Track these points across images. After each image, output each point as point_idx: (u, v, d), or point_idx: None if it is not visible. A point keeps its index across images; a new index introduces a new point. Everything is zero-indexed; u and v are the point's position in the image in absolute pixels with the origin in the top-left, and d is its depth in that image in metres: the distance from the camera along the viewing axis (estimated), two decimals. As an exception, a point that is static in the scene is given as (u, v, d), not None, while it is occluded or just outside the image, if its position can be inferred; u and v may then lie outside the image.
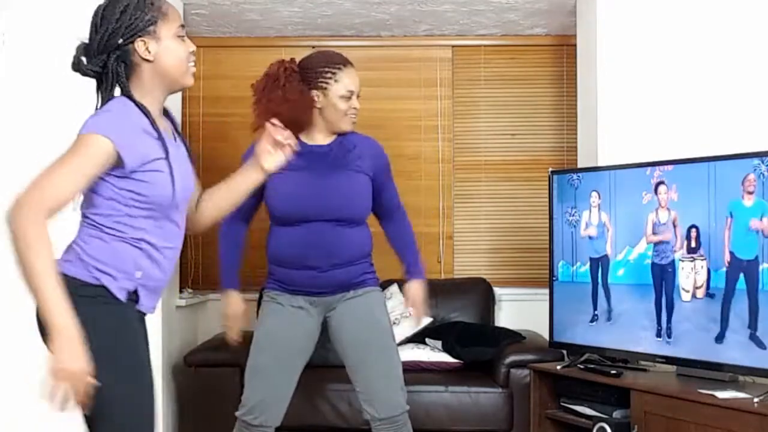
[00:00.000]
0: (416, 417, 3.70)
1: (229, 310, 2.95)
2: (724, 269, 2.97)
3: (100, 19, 1.89)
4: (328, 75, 2.79)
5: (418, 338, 4.11)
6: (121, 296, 1.87)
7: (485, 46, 4.67)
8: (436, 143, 4.66)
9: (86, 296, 1.83)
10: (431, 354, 3.99)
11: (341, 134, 2.87)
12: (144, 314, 1.99)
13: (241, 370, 3.72)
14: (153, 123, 1.90)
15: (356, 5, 4.17)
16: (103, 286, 1.86)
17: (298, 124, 2.74)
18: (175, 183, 1.90)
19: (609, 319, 3.37)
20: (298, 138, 2.78)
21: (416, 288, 2.95)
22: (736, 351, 2.91)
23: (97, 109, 1.92)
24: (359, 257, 2.83)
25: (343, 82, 2.79)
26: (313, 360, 2.91)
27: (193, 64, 1.99)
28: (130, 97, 1.90)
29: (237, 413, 2.83)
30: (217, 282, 4.55)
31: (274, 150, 2.12)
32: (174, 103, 4.10)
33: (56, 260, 1.86)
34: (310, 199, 2.75)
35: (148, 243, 1.90)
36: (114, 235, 1.87)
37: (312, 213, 2.75)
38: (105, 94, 1.92)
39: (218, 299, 4.61)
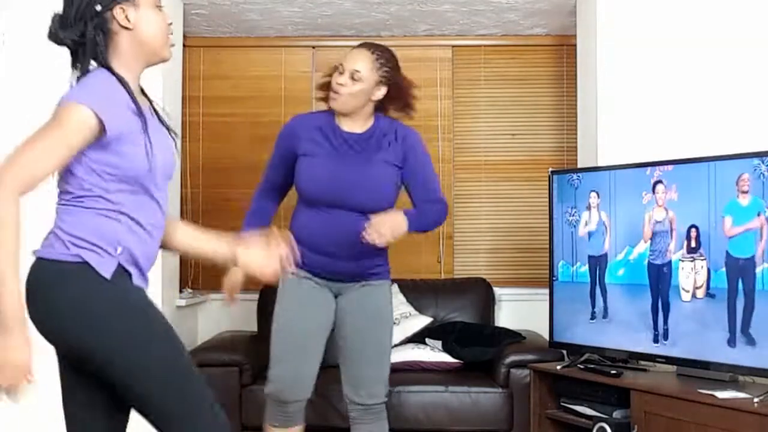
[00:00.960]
0: (416, 417, 3.72)
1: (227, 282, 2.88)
2: (724, 269, 2.97)
3: None
4: None
5: (418, 338, 4.11)
6: (106, 273, 1.80)
7: (485, 46, 4.67)
8: (436, 143, 4.65)
9: (71, 276, 1.78)
10: (431, 354, 3.99)
11: (376, 121, 2.87)
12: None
13: (241, 370, 3.75)
14: (132, 96, 1.86)
15: (356, 5, 4.17)
16: (86, 263, 1.79)
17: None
18: (153, 157, 1.85)
19: (605, 317, 3.37)
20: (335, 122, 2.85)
21: (392, 215, 2.73)
22: (736, 351, 2.91)
23: (73, 82, 1.87)
24: (376, 249, 2.81)
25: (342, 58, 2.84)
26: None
27: (171, 37, 1.95)
28: (110, 69, 1.85)
29: (267, 391, 2.86)
30: (218, 282, 4.59)
31: (270, 258, 2.00)
32: (174, 103, 4.10)
33: (36, 249, 1.84)
34: (337, 187, 2.77)
35: (128, 216, 1.84)
36: (91, 208, 1.81)
37: (337, 200, 2.77)
38: (83, 64, 1.86)
39: (218, 299, 4.63)
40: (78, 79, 1.87)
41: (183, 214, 4.51)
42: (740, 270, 2.90)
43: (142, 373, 1.80)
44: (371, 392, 2.85)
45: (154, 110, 2.00)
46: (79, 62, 1.87)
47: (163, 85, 3.79)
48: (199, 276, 4.62)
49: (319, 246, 2.80)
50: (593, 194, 3.45)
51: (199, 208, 4.62)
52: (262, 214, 2.97)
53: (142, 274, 1.92)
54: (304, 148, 2.82)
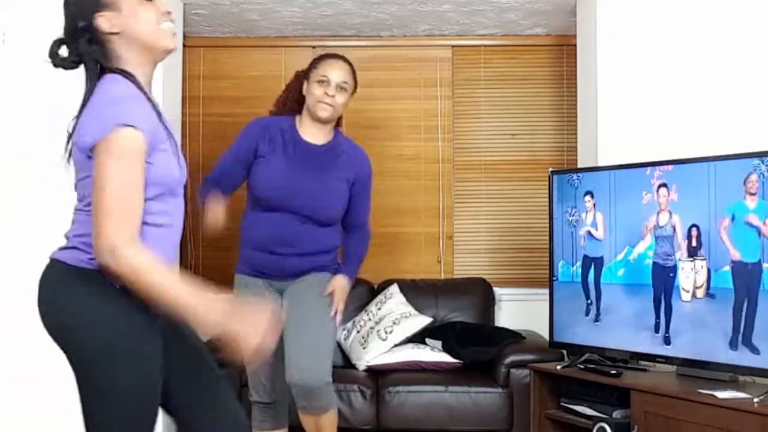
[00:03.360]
0: (416, 417, 3.72)
1: (209, 210, 2.94)
2: (725, 269, 2.97)
3: (64, 6, 1.85)
4: (312, 65, 2.97)
5: (418, 338, 4.11)
6: (115, 282, 1.78)
7: (485, 46, 4.67)
8: (436, 143, 4.66)
9: (80, 282, 1.78)
10: (431, 354, 3.99)
11: (335, 137, 2.99)
12: None
13: (241, 370, 3.75)
14: (151, 101, 1.85)
15: (356, 5, 4.17)
16: (97, 270, 1.77)
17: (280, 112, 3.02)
18: (182, 160, 1.88)
19: (606, 318, 3.37)
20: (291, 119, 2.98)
21: (342, 282, 2.94)
22: (736, 351, 2.91)
23: (87, 94, 1.84)
24: (324, 250, 2.94)
25: (320, 69, 2.93)
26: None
27: (169, 24, 1.89)
28: (120, 72, 1.83)
29: (251, 398, 3.02)
30: (218, 282, 4.59)
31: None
32: (174, 103, 4.10)
33: (54, 251, 1.84)
34: (290, 192, 2.86)
35: (151, 224, 1.83)
36: None
37: (289, 204, 2.86)
38: (91, 78, 1.84)
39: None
40: (91, 89, 1.84)
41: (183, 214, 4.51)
42: (748, 274, 2.90)
43: (107, 391, 1.78)
44: (306, 372, 2.73)
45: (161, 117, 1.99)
46: (89, 77, 1.85)
47: (163, 85, 3.79)
48: (199, 276, 4.61)
49: (268, 246, 2.90)
50: (593, 194, 3.45)
51: (200, 209, 4.61)
52: (223, 181, 2.97)
53: None
54: (264, 149, 2.91)
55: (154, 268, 1.72)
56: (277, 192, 2.86)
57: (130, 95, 1.79)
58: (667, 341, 3.15)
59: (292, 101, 3.01)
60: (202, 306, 1.74)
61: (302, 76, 3.00)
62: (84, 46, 1.83)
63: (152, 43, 1.88)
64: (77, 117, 1.83)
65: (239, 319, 1.75)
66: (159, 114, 1.86)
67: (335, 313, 2.90)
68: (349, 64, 2.98)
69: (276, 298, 2.93)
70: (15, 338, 3.47)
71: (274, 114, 3.05)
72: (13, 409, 3.53)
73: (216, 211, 2.90)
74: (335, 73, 2.91)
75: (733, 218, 2.95)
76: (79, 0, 1.83)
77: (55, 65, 1.87)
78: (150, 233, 1.82)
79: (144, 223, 1.79)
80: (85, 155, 1.77)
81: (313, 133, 2.95)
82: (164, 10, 1.89)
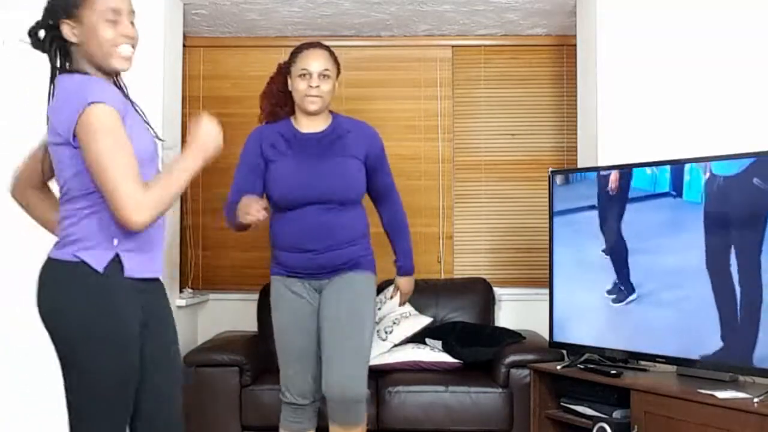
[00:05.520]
0: (416, 417, 3.72)
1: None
2: (731, 269, 2.97)
3: None
4: (291, 59, 2.97)
5: (418, 338, 4.11)
6: (99, 267, 1.90)
7: (485, 46, 4.67)
8: (436, 143, 4.66)
9: (67, 274, 1.89)
10: (431, 354, 3.99)
11: (334, 119, 3.01)
12: (144, 283, 2.00)
13: (241, 370, 3.75)
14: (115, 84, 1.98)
15: (356, 5, 4.17)
16: (83, 262, 1.90)
17: (273, 113, 3.01)
18: (151, 140, 1.99)
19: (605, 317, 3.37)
20: (281, 121, 2.99)
21: (406, 284, 3.22)
22: (736, 351, 2.91)
23: (50, 96, 1.97)
24: (354, 238, 2.95)
25: (299, 63, 2.93)
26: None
27: (125, 48, 1.98)
28: (77, 72, 1.95)
29: (283, 399, 3.00)
30: (218, 282, 4.60)
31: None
32: (174, 103, 4.09)
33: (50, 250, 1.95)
34: (304, 184, 2.88)
35: None
36: (89, 208, 1.91)
37: (306, 198, 2.88)
38: (52, 76, 1.98)
39: (218, 299, 4.63)
40: (52, 81, 1.97)
41: (183, 214, 4.51)
42: (749, 269, 2.90)
43: (85, 371, 1.89)
44: (341, 386, 2.83)
45: (132, 103, 2.09)
46: (51, 75, 1.99)
47: (163, 85, 3.79)
48: (199, 276, 4.62)
49: (299, 245, 2.90)
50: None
51: (199, 208, 4.62)
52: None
53: (143, 251, 1.99)
54: (268, 154, 2.94)
55: (162, 188, 1.87)
56: (293, 189, 2.89)
57: (90, 79, 1.91)
58: (667, 341, 3.14)
59: (281, 105, 3.00)
60: (192, 167, 1.95)
61: (285, 71, 3.01)
62: (48, 39, 1.96)
63: (102, 63, 1.97)
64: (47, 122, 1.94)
65: (202, 146, 1.96)
66: (125, 94, 1.99)
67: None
68: (326, 48, 2.98)
69: (315, 298, 2.97)
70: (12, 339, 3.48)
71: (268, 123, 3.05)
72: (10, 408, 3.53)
73: (253, 204, 2.77)
74: (314, 63, 2.91)
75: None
76: (55, 1, 1.95)
77: (32, 45, 2.00)
78: (101, 221, 1.92)
79: (96, 211, 1.91)
80: (69, 149, 1.87)
81: (310, 125, 2.97)
82: (125, 34, 1.97)
